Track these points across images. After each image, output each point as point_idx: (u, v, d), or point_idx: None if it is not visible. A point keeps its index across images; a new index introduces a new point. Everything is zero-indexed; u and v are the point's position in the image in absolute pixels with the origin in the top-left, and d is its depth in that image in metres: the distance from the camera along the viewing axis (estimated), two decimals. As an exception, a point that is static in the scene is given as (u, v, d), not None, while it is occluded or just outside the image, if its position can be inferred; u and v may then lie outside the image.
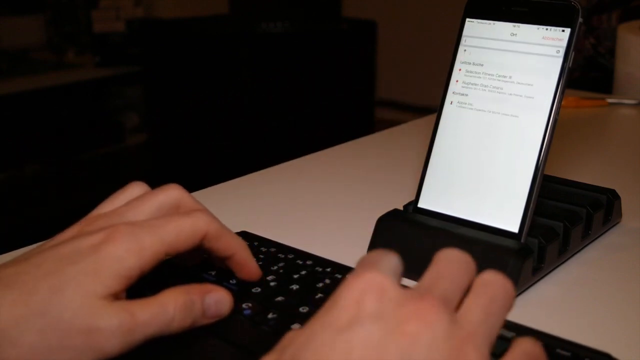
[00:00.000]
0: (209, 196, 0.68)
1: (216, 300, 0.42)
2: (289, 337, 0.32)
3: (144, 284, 0.41)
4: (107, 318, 0.37)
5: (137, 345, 0.38)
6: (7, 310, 0.36)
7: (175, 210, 0.44)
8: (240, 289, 0.47)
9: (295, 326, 0.43)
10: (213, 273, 0.50)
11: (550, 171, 0.60)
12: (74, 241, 0.39)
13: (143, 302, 0.39)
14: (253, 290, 0.47)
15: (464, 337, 0.29)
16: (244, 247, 0.45)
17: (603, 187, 0.59)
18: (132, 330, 0.38)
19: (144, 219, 0.42)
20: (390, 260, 0.33)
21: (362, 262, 0.32)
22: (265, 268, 0.50)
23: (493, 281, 0.32)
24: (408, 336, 0.28)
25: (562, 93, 0.49)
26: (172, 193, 0.44)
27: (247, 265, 0.45)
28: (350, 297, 0.30)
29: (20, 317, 0.36)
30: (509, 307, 0.32)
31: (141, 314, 0.38)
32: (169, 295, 0.40)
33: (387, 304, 0.29)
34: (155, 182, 0.47)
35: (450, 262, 0.33)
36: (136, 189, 0.45)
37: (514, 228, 0.50)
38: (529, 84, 0.50)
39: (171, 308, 0.39)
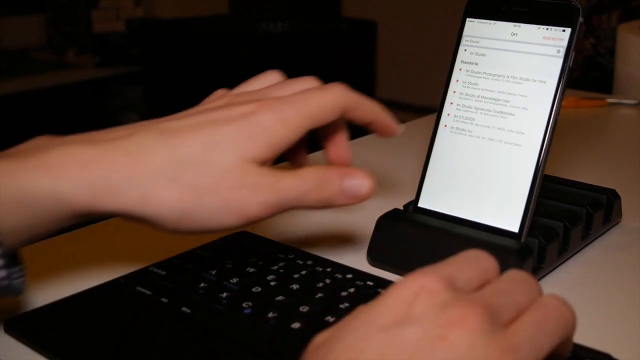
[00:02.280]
0: (209, 196, 0.68)
1: (355, 182, 0.43)
2: (316, 341, 0.31)
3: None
4: (255, 177, 0.40)
5: (277, 211, 0.42)
6: (164, 152, 0.40)
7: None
8: (240, 289, 0.47)
9: (295, 325, 0.43)
10: (213, 272, 0.50)
11: (550, 171, 0.60)
12: (225, 108, 0.43)
13: (286, 171, 0.42)
14: (253, 289, 0.47)
15: (505, 348, 0.28)
16: (382, 111, 0.48)
17: (603, 187, 0.59)
18: (274, 192, 0.41)
19: (287, 95, 0.44)
20: (461, 268, 0.32)
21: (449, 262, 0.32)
22: (265, 268, 0.50)
23: (553, 304, 0.31)
24: (446, 342, 0.27)
25: (563, 93, 0.49)
26: (310, 82, 0.47)
27: (388, 126, 0.48)
28: (400, 297, 0.29)
29: (177, 160, 0.40)
30: (564, 330, 0.31)
31: (283, 179, 0.41)
32: (309, 169, 0.43)
33: (435, 308, 0.29)
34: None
35: (513, 282, 0.32)
36: (273, 75, 0.48)
37: (514, 228, 0.50)
38: (529, 84, 0.50)
39: (309, 179, 0.42)
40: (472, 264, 0.32)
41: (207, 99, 0.47)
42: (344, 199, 0.43)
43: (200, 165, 0.40)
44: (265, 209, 0.41)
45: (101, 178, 0.39)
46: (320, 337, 0.31)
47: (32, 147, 0.40)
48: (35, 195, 0.38)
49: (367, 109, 0.46)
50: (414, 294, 0.29)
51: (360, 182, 0.43)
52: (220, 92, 0.47)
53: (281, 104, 0.43)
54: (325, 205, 0.43)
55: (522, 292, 0.31)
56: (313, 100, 0.43)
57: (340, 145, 0.48)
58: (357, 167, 0.45)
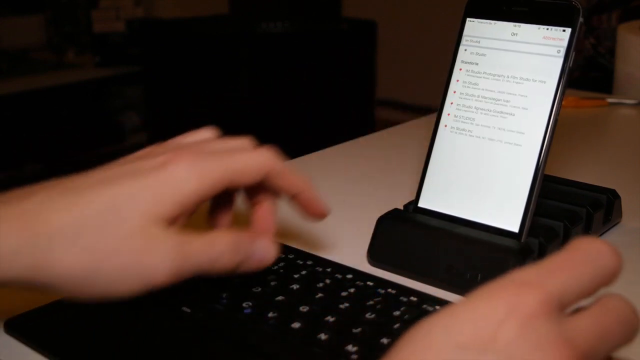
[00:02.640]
0: (209, 196, 0.68)
1: (263, 247, 0.42)
2: (410, 332, 0.28)
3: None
4: (161, 242, 0.38)
5: (183, 277, 0.39)
6: (64, 214, 0.37)
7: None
8: (240, 289, 0.47)
9: (295, 325, 0.43)
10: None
11: (550, 171, 0.60)
12: (140, 160, 0.40)
13: (195, 234, 0.39)
14: (254, 289, 0.47)
15: None
16: (309, 186, 0.45)
17: (603, 187, 0.59)
18: (183, 258, 0.38)
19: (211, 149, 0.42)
20: (577, 275, 0.28)
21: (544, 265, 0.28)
22: (265, 268, 0.50)
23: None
24: None
25: (563, 93, 0.49)
26: (243, 142, 0.44)
27: (313, 203, 0.45)
28: (491, 311, 0.26)
29: (76, 222, 0.37)
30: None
31: (193, 243, 0.39)
32: (220, 233, 0.41)
33: (525, 341, 0.25)
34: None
35: (619, 322, 0.28)
36: (207, 132, 0.45)
37: (514, 228, 0.50)
38: (529, 84, 0.50)
39: (221, 243, 0.40)
40: (589, 265, 0.28)
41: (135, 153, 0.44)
42: (251, 265, 0.41)
43: (101, 227, 0.37)
44: (171, 275, 0.38)
45: None
46: (424, 325, 0.28)
47: None
48: None
49: (294, 179, 0.44)
50: (508, 312, 0.26)
51: (268, 249, 0.42)
52: (151, 146, 0.44)
53: (200, 155, 0.40)
54: (234, 270, 0.41)
55: (623, 335, 0.28)
56: (236, 158, 0.41)
57: (266, 210, 0.46)
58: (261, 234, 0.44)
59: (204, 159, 0.40)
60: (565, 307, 0.27)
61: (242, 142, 0.44)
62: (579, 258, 0.28)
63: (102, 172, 0.40)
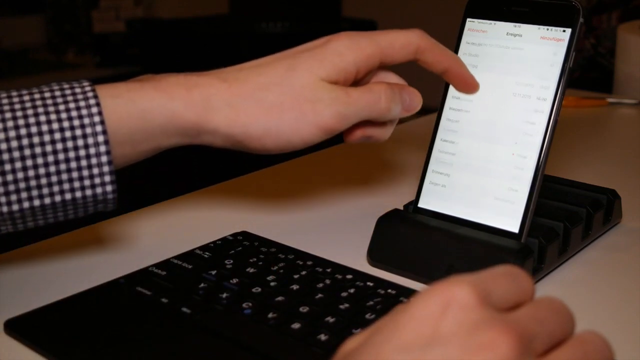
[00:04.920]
0: (209, 196, 0.68)
1: (411, 94, 0.50)
2: (345, 348, 0.29)
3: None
4: (328, 91, 0.47)
5: (351, 122, 0.48)
6: (254, 77, 0.47)
7: None
8: (240, 289, 0.47)
9: (295, 325, 0.43)
10: (213, 273, 0.50)
11: (550, 171, 0.60)
12: (309, 43, 0.49)
13: (355, 87, 0.48)
14: (253, 290, 0.47)
15: None
16: (457, 61, 0.50)
17: (603, 187, 0.59)
18: (347, 103, 0.47)
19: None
20: (497, 281, 0.29)
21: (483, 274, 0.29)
22: (265, 268, 0.50)
23: (594, 340, 0.29)
24: None
25: (563, 93, 0.49)
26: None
27: (463, 77, 0.51)
28: (428, 310, 0.27)
29: (263, 83, 0.47)
30: None
31: (354, 92, 0.47)
32: (375, 83, 0.49)
33: (465, 327, 0.26)
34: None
35: (550, 310, 0.29)
36: None
37: (514, 228, 0.49)
38: (529, 84, 0.50)
39: (377, 90, 0.48)
40: (509, 279, 0.30)
41: None
42: (403, 111, 0.50)
43: (281, 85, 0.46)
44: (340, 120, 0.47)
45: (204, 99, 0.46)
46: (350, 345, 0.29)
47: (147, 77, 0.47)
48: (150, 110, 0.45)
49: (443, 54, 0.49)
50: (444, 306, 0.27)
51: (415, 96, 0.50)
52: None
53: (358, 34, 0.48)
54: (388, 117, 0.49)
55: (558, 322, 0.29)
56: (388, 35, 0.48)
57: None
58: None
59: (360, 37, 0.48)
60: (495, 306, 0.28)
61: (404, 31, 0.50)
62: (502, 273, 0.30)
63: (279, 55, 0.49)
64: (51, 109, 0.43)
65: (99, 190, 0.44)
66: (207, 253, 0.53)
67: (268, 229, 0.59)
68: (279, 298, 0.46)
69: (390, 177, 0.74)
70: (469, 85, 0.51)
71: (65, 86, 0.44)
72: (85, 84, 0.45)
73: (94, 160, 0.43)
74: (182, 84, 0.46)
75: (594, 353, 0.29)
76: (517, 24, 0.51)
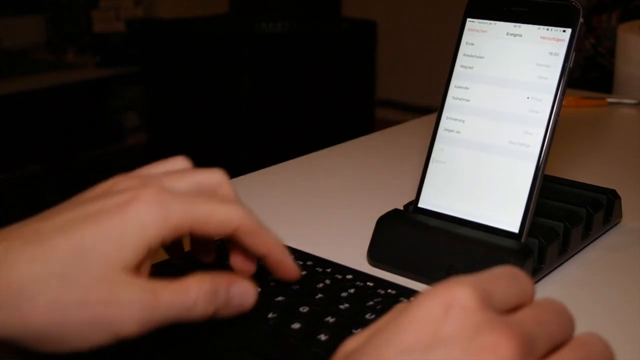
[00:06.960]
0: (209, 196, 0.68)
1: (241, 291, 0.38)
2: (345, 348, 0.29)
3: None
4: (128, 292, 0.35)
5: (154, 327, 0.36)
6: (25, 266, 0.34)
7: (212, 195, 0.41)
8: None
9: (295, 326, 0.43)
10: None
11: (550, 171, 0.60)
12: (100, 199, 0.37)
13: (166, 282, 0.36)
14: (253, 290, 0.47)
15: None
16: (280, 246, 0.41)
17: (603, 187, 0.59)
18: (153, 308, 0.35)
19: (178, 191, 0.38)
20: (498, 283, 0.29)
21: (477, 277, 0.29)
22: (265, 268, 0.50)
23: (595, 342, 0.29)
24: None
25: (563, 93, 0.49)
26: (215, 176, 0.41)
27: (283, 265, 0.41)
28: (429, 312, 0.27)
29: (39, 275, 0.34)
30: None
31: (163, 294, 0.35)
32: (193, 280, 0.36)
33: (466, 329, 0.26)
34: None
35: (551, 311, 0.29)
36: (179, 162, 0.42)
37: (514, 228, 0.49)
38: (529, 84, 0.50)
39: (194, 292, 0.36)
40: (510, 281, 0.30)
41: (99, 184, 0.41)
42: (229, 312, 0.38)
43: (67, 278, 0.34)
44: (142, 326, 0.35)
45: None
46: (350, 345, 0.29)
47: None
48: None
49: (264, 239, 0.40)
50: (445, 308, 0.27)
51: (247, 293, 0.38)
52: (116, 177, 0.40)
53: (164, 195, 0.37)
54: (210, 317, 0.37)
55: (559, 324, 0.29)
56: (204, 207, 0.37)
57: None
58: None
59: (167, 200, 0.36)
60: (496, 308, 0.28)
61: (218, 175, 0.41)
62: (503, 273, 0.30)
63: (65, 212, 0.37)
64: None
65: None
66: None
67: (268, 229, 0.59)
68: (279, 298, 0.46)
69: (390, 177, 0.74)
70: (289, 273, 0.41)
71: None
72: None
73: None
74: None
75: (595, 355, 0.29)
76: (517, 24, 0.51)
